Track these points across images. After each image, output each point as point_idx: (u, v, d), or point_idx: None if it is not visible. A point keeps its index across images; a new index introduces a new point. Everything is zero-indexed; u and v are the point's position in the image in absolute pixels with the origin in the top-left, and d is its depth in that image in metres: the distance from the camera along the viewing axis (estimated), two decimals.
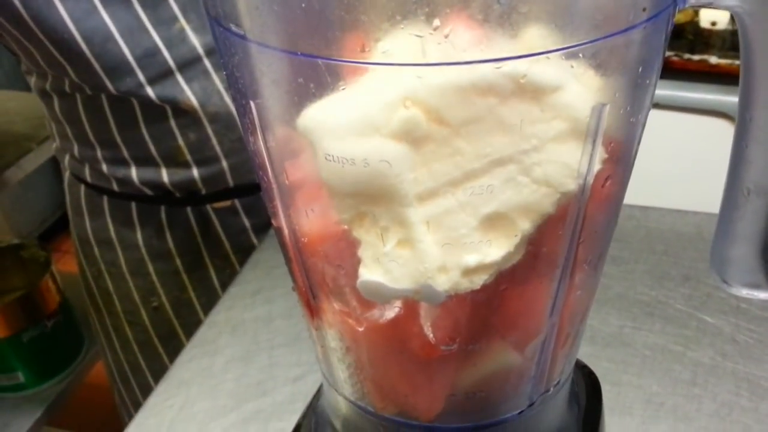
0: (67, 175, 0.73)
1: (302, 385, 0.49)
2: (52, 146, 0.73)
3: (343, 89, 0.21)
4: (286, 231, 0.27)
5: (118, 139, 0.64)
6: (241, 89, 0.24)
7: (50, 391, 0.98)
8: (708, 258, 0.29)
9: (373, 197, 0.23)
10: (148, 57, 0.58)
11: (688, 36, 1.10)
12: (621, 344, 0.51)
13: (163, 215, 0.68)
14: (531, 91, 0.21)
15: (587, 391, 0.36)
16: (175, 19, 0.58)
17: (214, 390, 0.50)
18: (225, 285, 0.70)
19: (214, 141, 0.63)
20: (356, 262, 0.25)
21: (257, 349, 0.53)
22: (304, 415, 0.37)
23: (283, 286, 0.59)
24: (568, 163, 0.23)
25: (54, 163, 1.60)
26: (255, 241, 0.70)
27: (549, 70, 0.21)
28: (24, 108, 1.09)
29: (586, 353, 0.38)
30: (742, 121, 0.25)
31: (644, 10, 0.21)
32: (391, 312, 0.26)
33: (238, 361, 0.52)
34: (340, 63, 0.21)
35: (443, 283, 0.24)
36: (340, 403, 0.32)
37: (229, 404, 0.49)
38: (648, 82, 0.24)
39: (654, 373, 0.48)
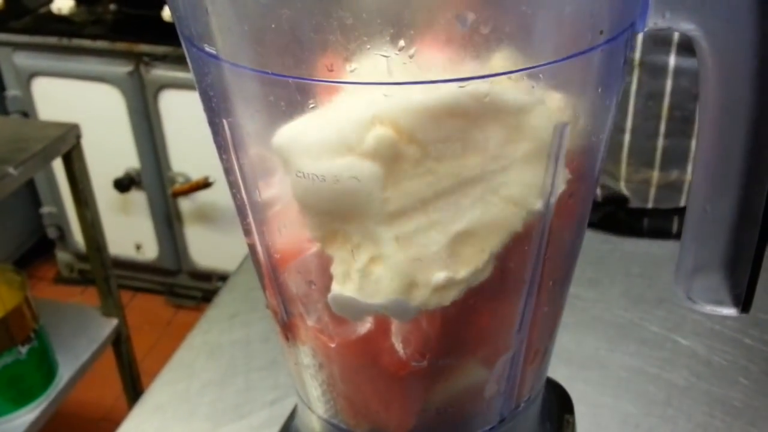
0: None
1: (279, 409, 0.49)
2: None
3: (313, 107, 0.22)
4: (259, 248, 0.28)
5: None
6: (214, 108, 0.25)
7: (23, 419, 0.96)
8: None
9: (344, 215, 0.24)
10: None
11: None
12: (597, 366, 0.51)
13: None
14: (496, 111, 0.22)
15: (559, 410, 0.36)
16: None
17: (190, 414, 0.49)
18: None
19: None
20: (328, 278, 0.25)
21: (234, 372, 0.52)
22: None
23: (261, 309, 0.59)
24: (534, 183, 0.24)
25: (31, 188, 1.59)
26: None
27: (512, 90, 0.22)
28: (0, 131, 1.08)
29: (562, 375, 0.38)
30: (701, 139, 0.25)
31: (601, 32, 0.22)
32: (363, 328, 0.26)
33: (215, 385, 0.51)
34: (309, 82, 0.21)
35: (413, 299, 0.24)
36: (314, 422, 0.32)
37: (205, 428, 0.48)
38: (608, 102, 0.25)
39: (629, 395, 0.49)
